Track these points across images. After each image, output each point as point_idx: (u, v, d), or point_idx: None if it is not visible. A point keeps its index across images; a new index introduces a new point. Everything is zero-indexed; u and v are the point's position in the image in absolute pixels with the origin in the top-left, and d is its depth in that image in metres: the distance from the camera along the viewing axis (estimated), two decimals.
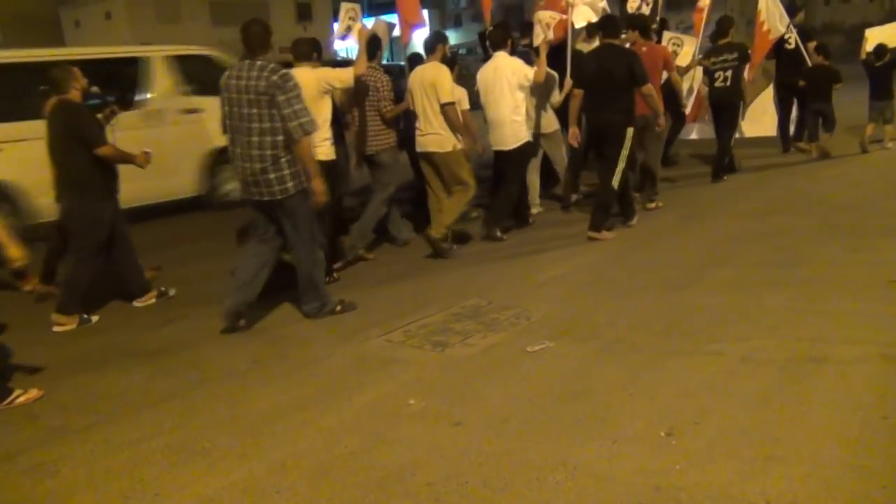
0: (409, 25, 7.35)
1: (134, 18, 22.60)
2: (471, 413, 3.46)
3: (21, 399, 4.03)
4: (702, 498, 2.65)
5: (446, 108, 5.99)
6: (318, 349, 4.49)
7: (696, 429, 3.12)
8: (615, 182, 6.26)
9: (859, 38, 9.68)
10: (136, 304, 5.70)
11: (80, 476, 3.22)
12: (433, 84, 5.96)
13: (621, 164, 6.24)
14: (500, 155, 6.63)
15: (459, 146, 6.15)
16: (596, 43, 7.04)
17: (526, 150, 6.64)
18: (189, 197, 8.93)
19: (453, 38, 32.40)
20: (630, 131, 6.23)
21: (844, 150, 9.09)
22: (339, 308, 5.05)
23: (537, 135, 7.10)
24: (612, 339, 4.18)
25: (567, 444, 3.09)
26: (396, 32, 7.91)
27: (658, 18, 8.76)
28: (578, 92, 6.42)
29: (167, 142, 8.26)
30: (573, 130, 6.56)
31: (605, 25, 6.64)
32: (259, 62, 4.52)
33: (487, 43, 7.12)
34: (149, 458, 3.31)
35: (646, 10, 8.36)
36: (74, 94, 5.17)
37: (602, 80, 6.21)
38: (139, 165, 5.41)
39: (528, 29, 7.89)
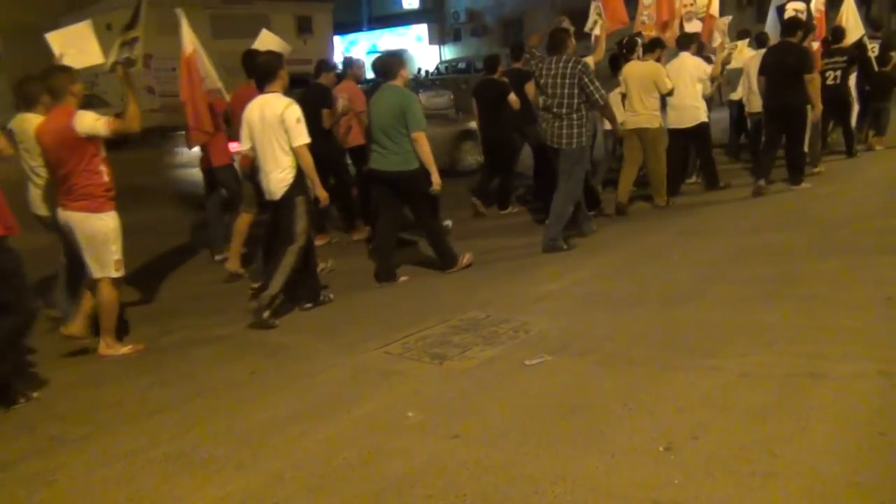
0: (615, 25, 8.44)
1: None
2: (469, 426, 3.46)
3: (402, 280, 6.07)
4: None
5: (667, 97, 7.91)
6: (316, 361, 4.48)
7: (694, 443, 3.12)
8: (805, 147, 8.21)
9: None
10: None
11: (76, 486, 3.21)
12: (653, 80, 7.68)
13: (808, 133, 8.21)
14: (680, 132, 8.27)
15: (663, 125, 7.98)
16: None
17: (703, 128, 8.33)
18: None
19: (452, 52, 32.54)
20: (809, 108, 8.00)
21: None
22: (564, 246, 6.55)
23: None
24: (610, 353, 4.18)
25: (566, 458, 3.09)
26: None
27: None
28: (762, 79, 8.20)
29: None
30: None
31: (785, 26, 8.40)
32: (564, 56, 6.55)
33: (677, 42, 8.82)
34: (146, 468, 3.30)
35: (801, 16, 9.23)
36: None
37: (779, 70, 7.90)
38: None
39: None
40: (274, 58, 5.47)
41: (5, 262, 4.06)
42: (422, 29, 34.07)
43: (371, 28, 35.69)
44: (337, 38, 32.44)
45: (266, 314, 5.10)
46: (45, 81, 4.79)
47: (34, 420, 3.96)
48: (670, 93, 7.85)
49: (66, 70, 4.84)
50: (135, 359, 4.77)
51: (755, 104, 9.11)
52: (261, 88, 5.35)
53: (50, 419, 3.95)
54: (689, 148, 8.63)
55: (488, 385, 3.91)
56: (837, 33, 9.80)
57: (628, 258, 6.22)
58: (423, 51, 32.51)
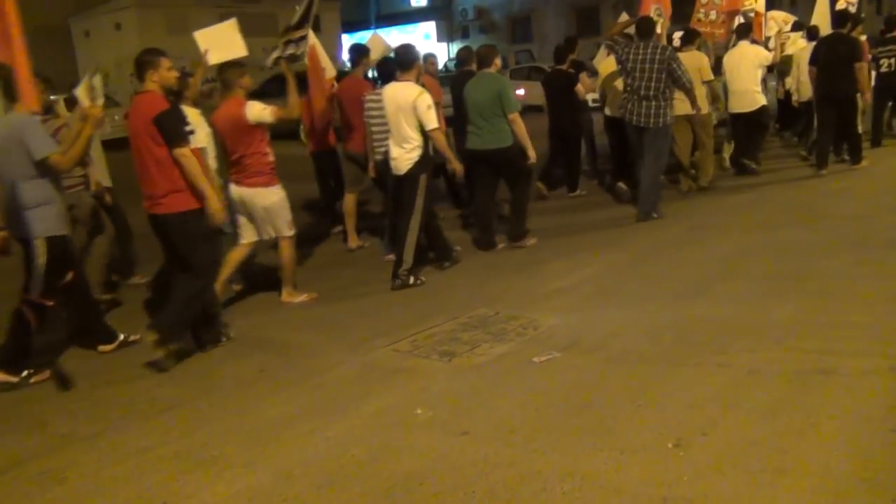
0: (668, 18, 8.94)
1: (143, 29, 22.76)
2: (478, 423, 3.46)
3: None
4: None
5: (707, 84, 8.28)
6: (324, 358, 4.49)
7: (703, 440, 3.11)
8: (859, 129, 8.82)
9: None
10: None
11: (87, 483, 3.23)
12: (698, 67, 8.00)
13: (858, 116, 8.76)
14: (740, 116, 8.86)
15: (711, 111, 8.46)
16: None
17: (762, 112, 8.92)
18: None
19: None
20: (858, 96, 8.60)
21: None
22: (655, 215, 7.20)
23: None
24: (619, 350, 4.17)
25: (574, 455, 3.09)
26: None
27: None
28: (813, 69, 8.67)
29: None
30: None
31: (836, 18, 8.98)
32: (651, 43, 7.14)
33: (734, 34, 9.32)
34: (156, 466, 3.32)
35: (852, 9, 9.81)
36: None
37: (831, 61, 8.40)
38: None
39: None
40: (413, 50, 6.13)
41: (202, 228, 4.58)
42: (430, 26, 34.11)
43: (379, 26, 35.68)
44: (345, 37, 32.46)
45: (411, 280, 5.80)
46: (219, 75, 5.41)
47: (45, 417, 3.98)
48: (711, 81, 8.29)
49: (238, 65, 5.41)
50: (143, 357, 4.76)
51: (804, 92, 9.51)
52: (392, 76, 5.94)
53: (61, 416, 3.98)
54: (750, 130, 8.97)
55: (497, 382, 3.91)
56: (891, 22, 10.10)
57: (637, 254, 6.20)
58: (431, 48, 32.54)
